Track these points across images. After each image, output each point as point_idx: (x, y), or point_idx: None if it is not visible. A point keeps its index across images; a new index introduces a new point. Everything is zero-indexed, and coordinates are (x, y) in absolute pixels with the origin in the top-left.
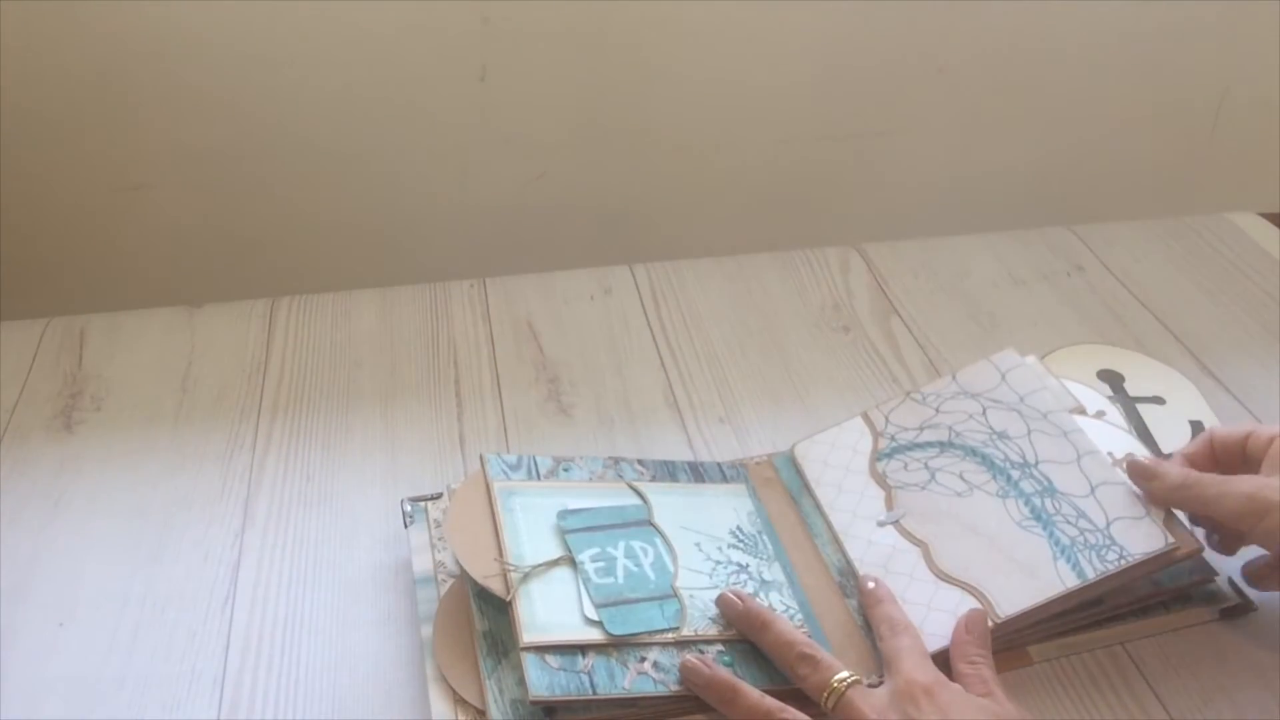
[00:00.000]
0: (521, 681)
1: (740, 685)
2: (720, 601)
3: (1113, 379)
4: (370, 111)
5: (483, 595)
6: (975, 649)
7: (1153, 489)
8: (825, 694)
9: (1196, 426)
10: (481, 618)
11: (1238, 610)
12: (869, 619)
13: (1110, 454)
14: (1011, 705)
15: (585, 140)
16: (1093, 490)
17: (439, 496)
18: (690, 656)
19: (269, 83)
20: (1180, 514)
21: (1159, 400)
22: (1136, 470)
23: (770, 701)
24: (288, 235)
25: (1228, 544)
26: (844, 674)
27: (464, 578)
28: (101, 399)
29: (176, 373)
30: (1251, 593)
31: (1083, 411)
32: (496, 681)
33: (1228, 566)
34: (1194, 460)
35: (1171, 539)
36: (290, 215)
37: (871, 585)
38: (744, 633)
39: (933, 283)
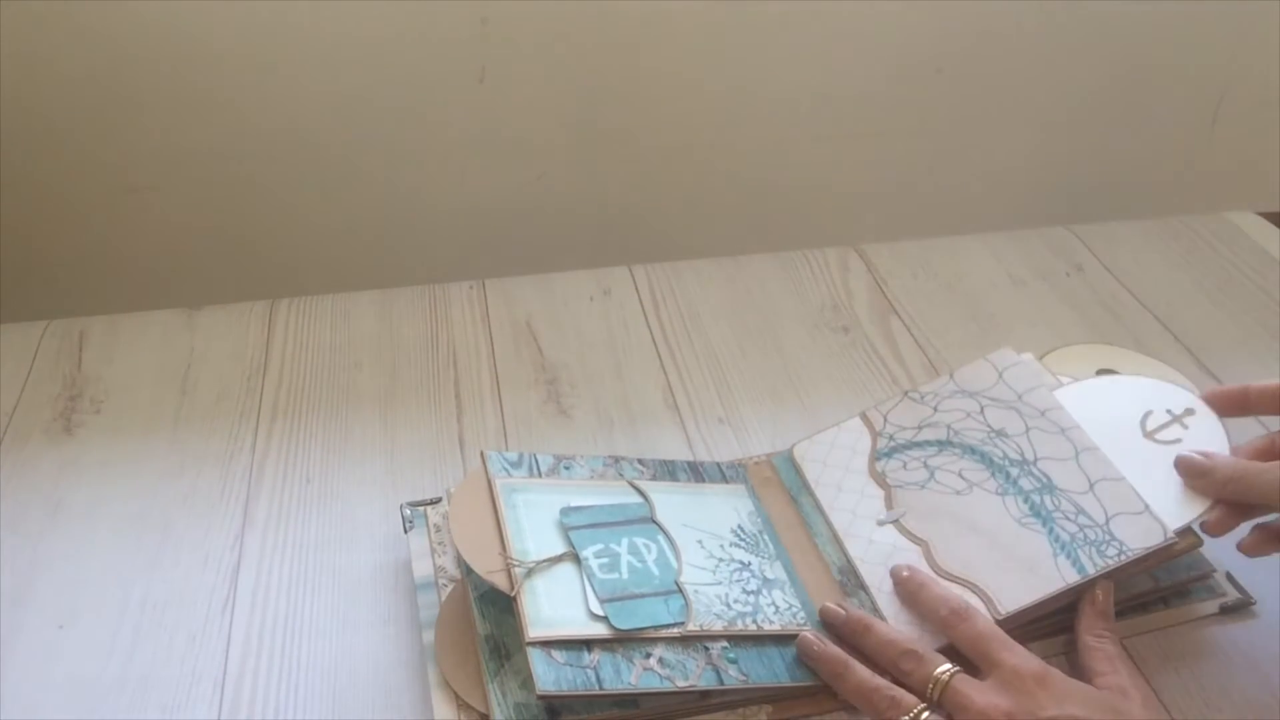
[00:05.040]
0: (524, 684)
1: (851, 662)
2: (823, 614)
3: None
4: (369, 113)
5: (484, 599)
6: (1102, 623)
7: (1204, 485)
8: (930, 686)
9: None
10: (483, 621)
11: (1237, 606)
12: (915, 606)
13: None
14: (1135, 685)
15: (584, 141)
16: (1091, 487)
17: (438, 501)
18: (807, 632)
19: (268, 84)
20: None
21: None
22: (1186, 467)
23: (879, 679)
24: (287, 237)
25: None
26: (946, 666)
27: (465, 581)
28: (101, 401)
29: (176, 375)
30: (1251, 589)
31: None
32: (499, 684)
33: (1227, 562)
34: (1255, 456)
35: (1170, 534)
36: (290, 216)
37: (907, 573)
38: (847, 639)
39: (932, 283)
